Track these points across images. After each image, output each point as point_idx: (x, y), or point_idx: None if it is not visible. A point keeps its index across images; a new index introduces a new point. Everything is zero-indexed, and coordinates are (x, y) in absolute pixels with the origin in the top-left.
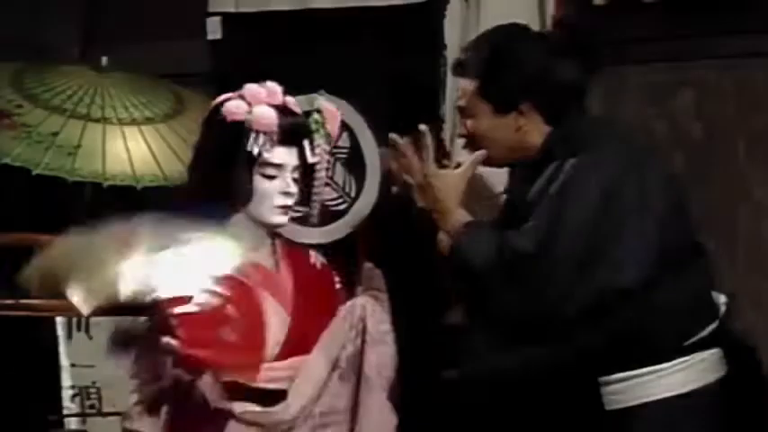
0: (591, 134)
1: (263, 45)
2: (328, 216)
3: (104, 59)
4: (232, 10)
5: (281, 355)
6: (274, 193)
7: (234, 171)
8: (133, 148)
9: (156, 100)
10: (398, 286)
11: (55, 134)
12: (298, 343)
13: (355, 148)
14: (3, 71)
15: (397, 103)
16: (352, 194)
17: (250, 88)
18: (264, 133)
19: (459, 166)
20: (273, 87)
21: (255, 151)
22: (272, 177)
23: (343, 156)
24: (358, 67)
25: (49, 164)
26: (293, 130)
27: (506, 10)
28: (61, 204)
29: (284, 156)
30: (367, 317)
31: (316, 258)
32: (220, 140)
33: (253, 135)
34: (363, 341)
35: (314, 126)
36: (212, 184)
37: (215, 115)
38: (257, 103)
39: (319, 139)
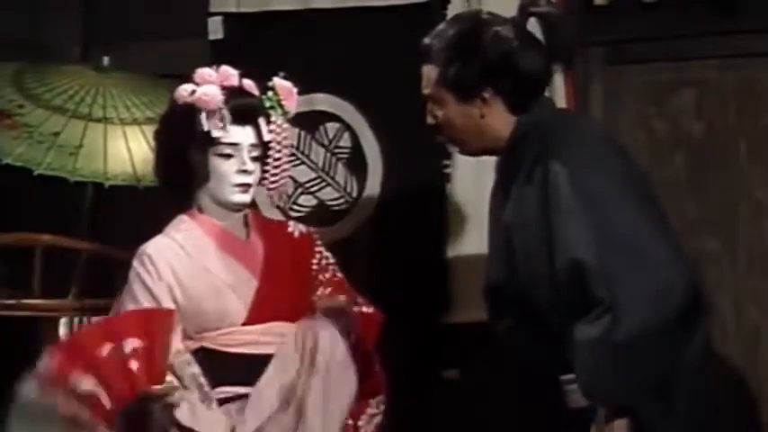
0: (560, 125)
1: (265, 45)
2: (331, 215)
3: (106, 59)
4: (233, 10)
5: (250, 319)
6: (231, 172)
7: (189, 152)
8: (135, 148)
9: (157, 100)
10: (398, 287)
11: (56, 134)
12: (267, 307)
13: (356, 148)
14: (4, 71)
15: (397, 102)
16: (354, 194)
17: (200, 71)
18: (212, 112)
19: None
20: (227, 70)
21: (205, 129)
22: (228, 156)
23: (345, 156)
24: (359, 67)
25: (51, 164)
26: (246, 109)
27: (507, 10)
28: (63, 204)
29: (239, 135)
30: (318, 348)
31: (294, 227)
32: (173, 124)
33: (201, 114)
34: (310, 372)
35: (268, 104)
36: (172, 168)
37: (171, 102)
38: (204, 83)
39: (277, 117)
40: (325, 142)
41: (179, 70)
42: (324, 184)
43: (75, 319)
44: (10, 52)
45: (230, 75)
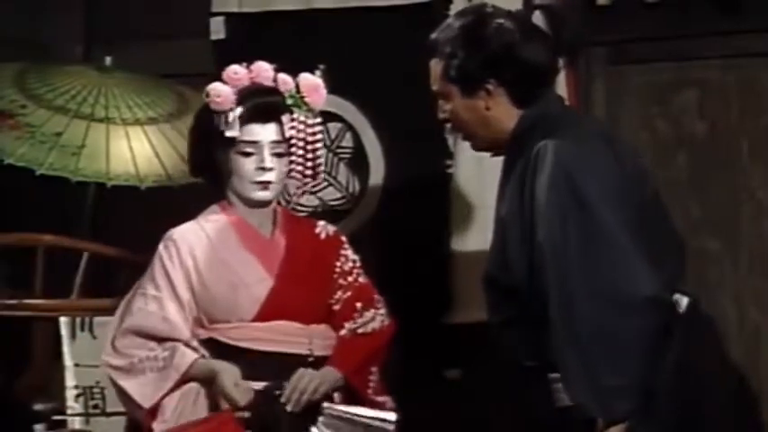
0: (564, 119)
1: (267, 45)
2: (332, 215)
3: (108, 59)
4: (235, 10)
5: (261, 316)
6: (251, 170)
7: (214, 151)
8: (137, 148)
9: (159, 100)
10: (400, 286)
11: (59, 134)
12: (279, 306)
13: (358, 148)
14: (6, 71)
15: (399, 102)
16: (356, 194)
17: (227, 69)
18: (225, 112)
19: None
20: (261, 65)
21: (219, 129)
22: (248, 154)
23: (347, 156)
24: (361, 67)
25: (53, 164)
26: (265, 108)
27: (512, 5)
28: (64, 205)
29: (259, 132)
30: None
31: (322, 229)
32: (199, 123)
33: (216, 115)
34: None
35: (290, 101)
36: (202, 165)
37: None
38: (231, 81)
39: (300, 114)
40: (327, 142)
41: (181, 70)
42: (326, 183)
43: (77, 320)
44: (11, 52)
45: (263, 70)
